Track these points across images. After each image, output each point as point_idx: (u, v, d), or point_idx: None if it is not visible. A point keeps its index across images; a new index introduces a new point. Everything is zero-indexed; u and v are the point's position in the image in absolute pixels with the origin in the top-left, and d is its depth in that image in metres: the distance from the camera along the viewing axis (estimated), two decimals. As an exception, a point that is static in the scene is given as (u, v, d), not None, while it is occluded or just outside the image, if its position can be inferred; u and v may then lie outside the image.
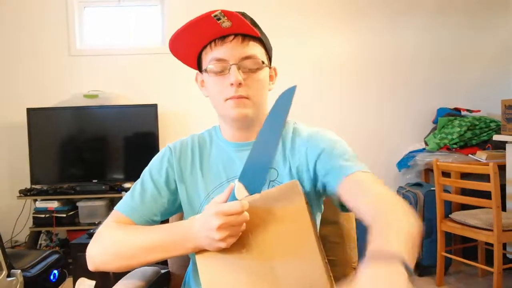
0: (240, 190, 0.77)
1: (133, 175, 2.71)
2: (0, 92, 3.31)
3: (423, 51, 3.42)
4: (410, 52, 3.42)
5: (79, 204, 3.02)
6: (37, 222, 2.98)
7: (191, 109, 3.34)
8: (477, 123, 3.11)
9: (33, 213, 3.00)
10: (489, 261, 2.43)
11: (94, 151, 3.21)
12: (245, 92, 0.90)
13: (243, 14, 0.93)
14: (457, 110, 3.28)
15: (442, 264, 2.59)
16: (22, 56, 3.32)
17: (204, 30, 0.89)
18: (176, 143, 1.03)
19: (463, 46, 3.43)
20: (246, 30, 0.89)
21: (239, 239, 0.79)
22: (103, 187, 3.04)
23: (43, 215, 2.95)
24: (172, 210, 1.01)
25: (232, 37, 0.90)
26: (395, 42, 3.42)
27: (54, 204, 2.96)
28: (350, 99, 3.44)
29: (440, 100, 3.39)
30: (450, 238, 2.72)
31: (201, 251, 0.81)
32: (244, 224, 0.78)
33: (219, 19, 0.85)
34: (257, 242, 0.80)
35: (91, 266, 0.90)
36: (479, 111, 3.29)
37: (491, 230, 2.24)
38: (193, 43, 0.93)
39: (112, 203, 3.15)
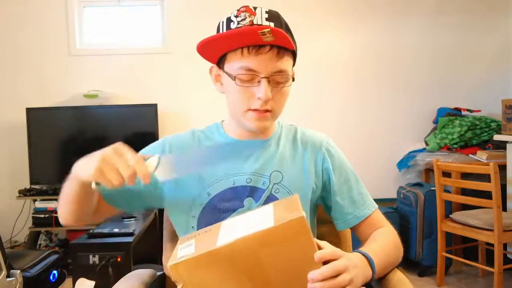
0: (154, 161, 0.77)
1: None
2: (0, 92, 3.30)
3: (423, 51, 3.42)
4: (411, 52, 3.42)
5: (79, 204, 3.02)
6: (36, 222, 2.97)
7: (191, 109, 3.34)
8: (477, 123, 3.10)
9: (33, 213, 2.99)
10: (490, 261, 2.43)
11: (93, 151, 3.19)
12: (270, 106, 0.89)
13: (279, 17, 0.89)
14: (458, 110, 3.27)
15: (442, 264, 2.58)
16: (22, 56, 3.31)
17: (242, 38, 0.84)
18: (174, 137, 1.02)
19: (463, 46, 3.43)
20: (284, 43, 0.85)
21: (236, 285, 0.70)
22: (103, 187, 3.03)
23: (42, 215, 2.94)
24: (146, 199, 0.97)
25: (268, 48, 0.85)
26: (395, 42, 3.42)
27: (53, 204, 2.95)
28: (350, 99, 3.43)
29: (441, 100, 3.39)
30: (450, 238, 2.72)
31: None
32: (129, 174, 0.74)
33: (264, 34, 0.81)
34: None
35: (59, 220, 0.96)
36: (479, 111, 3.29)
37: (492, 230, 2.24)
38: (224, 46, 0.88)
39: (112, 203, 3.14)
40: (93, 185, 0.79)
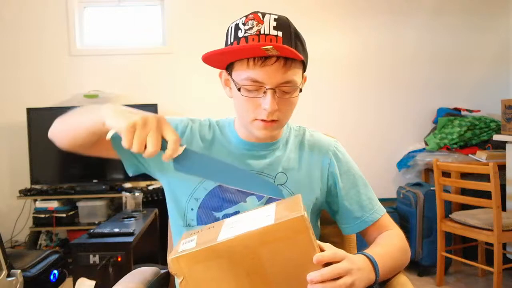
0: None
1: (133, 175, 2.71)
2: (0, 92, 3.31)
3: (423, 51, 3.43)
4: (410, 52, 3.43)
5: (79, 204, 3.02)
6: (37, 222, 2.98)
7: (191, 109, 3.34)
8: (477, 123, 3.11)
9: (33, 213, 3.00)
10: (489, 261, 2.43)
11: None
12: (276, 117, 0.88)
13: (288, 25, 0.87)
14: (457, 110, 3.28)
15: (442, 264, 2.59)
16: (22, 56, 3.32)
17: (246, 52, 0.84)
18: (194, 121, 1.03)
19: (463, 46, 3.43)
20: (290, 54, 0.83)
21: (236, 282, 0.71)
22: (103, 187, 3.04)
23: (43, 215, 2.95)
24: (153, 164, 0.97)
25: (273, 60, 0.83)
26: (395, 42, 3.42)
27: (54, 204, 2.96)
28: (350, 99, 3.44)
29: (440, 100, 3.39)
30: (450, 238, 2.72)
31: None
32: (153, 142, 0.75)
33: (267, 50, 0.80)
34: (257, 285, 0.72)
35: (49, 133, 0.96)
36: (479, 111, 3.29)
37: (491, 230, 2.25)
38: (230, 57, 0.87)
39: (112, 203, 3.15)
40: (110, 134, 0.80)
